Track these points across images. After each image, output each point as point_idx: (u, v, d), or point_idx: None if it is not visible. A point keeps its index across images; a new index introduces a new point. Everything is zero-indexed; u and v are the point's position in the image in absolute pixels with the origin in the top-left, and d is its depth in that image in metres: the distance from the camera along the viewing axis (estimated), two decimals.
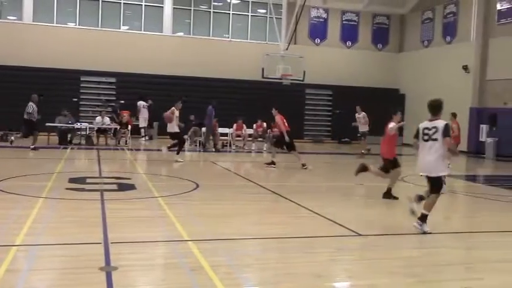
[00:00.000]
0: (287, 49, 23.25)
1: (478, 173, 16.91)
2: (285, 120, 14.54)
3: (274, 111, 14.77)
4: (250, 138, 20.66)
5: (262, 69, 22.72)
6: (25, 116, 16.30)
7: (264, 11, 26.25)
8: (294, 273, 5.13)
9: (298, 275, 5.07)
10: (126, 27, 24.95)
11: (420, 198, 7.16)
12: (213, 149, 19.01)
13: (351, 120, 20.23)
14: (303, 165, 14.16)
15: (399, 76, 27.82)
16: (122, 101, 22.56)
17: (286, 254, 5.83)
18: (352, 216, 8.30)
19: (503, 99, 21.09)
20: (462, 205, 10.61)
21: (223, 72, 24.68)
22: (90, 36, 23.75)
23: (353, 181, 11.95)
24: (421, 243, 6.56)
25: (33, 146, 16.04)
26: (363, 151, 18.71)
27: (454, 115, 15.81)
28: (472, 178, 15.22)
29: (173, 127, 14.98)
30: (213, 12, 25.87)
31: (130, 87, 23.68)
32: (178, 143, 15.28)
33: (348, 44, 27.70)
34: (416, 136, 7.28)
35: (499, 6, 21.55)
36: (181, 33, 25.69)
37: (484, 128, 21.76)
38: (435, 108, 7.24)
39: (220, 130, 20.30)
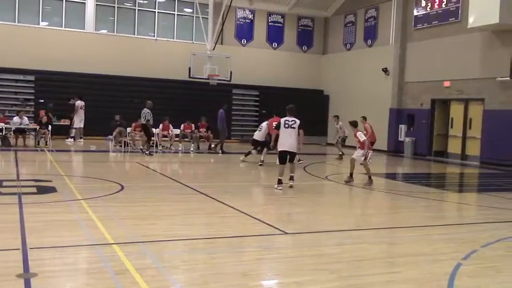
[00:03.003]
0: (214, 49, 23.26)
1: (397, 171, 17.70)
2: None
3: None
4: (177, 139, 20.45)
5: (189, 69, 22.60)
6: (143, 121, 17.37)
7: (190, 10, 26.08)
8: (221, 273, 5.15)
9: (226, 275, 5.09)
10: (46, 23, 23.91)
11: None
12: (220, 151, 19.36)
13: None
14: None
15: (323, 78, 28.57)
16: (41, 100, 21.58)
17: (214, 255, 5.84)
18: (278, 214, 8.44)
19: (420, 100, 22.23)
20: (383, 202, 11.05)
21: (149, 72, 24.28)
22: (7, 31, 22.56)
23: None
24: (344, 240, 6.78)
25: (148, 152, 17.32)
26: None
27: (364, 118, 17.23)
28: (391, 176, 15.90)
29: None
30: (138, 10, 25.36)
31: (50, 86, 22.75)
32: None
33: (274, 45, 28.10)
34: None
35: (415, 12, 22.67)
36: (104, 31, 24.98)
37: (402, 127, 22.82)
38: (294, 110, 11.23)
39: None
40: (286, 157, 11.04)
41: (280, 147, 11.09)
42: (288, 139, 10.97)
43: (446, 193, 12.51)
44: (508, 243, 7.00)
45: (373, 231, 7.57)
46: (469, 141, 20.28)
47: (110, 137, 19.79)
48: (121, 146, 19.16)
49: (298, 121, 11.09)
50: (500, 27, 18.13)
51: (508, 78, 15.93)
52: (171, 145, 20.25)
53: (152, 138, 18.12)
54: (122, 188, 10.08)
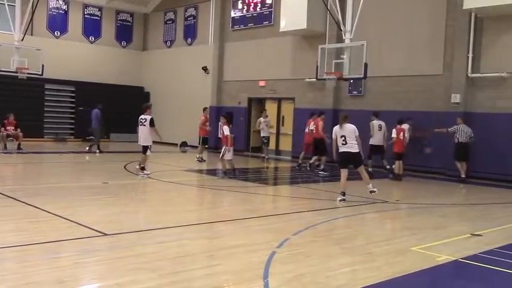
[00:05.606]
0: (22, 40, 21.38)
1: (218, 167, 18.24)
2: (319, 125, 15.95)
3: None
4: None
5: None
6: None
7: None
8: (34, 282, 4.79)
9: (40, 284, 4.75)
10: None
11: None
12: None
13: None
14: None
15: (144, 74, 28.22)
16: None
17: (25, 263, 5.39)
18: (97, 216, 8.12)
19: (238, 98, 23.23)
20: (203, 198, 11.33)
21: None
22: None
23: (98, 180, 11.73)
24: (165, 237, 6.78)
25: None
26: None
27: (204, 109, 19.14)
28: (212, 172, 16.38)
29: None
30: None
31: None
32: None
33: (91, 39, 26.90)
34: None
35: (232, 14, 23.59)
36: None
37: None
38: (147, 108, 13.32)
39: None
40: (145, 149, 13.11)
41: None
42: (140, 135, 13.12)
43: (262, 186, 13.28)
44: (315, 230, 7.69)
45: (194, 226, 7.73)
46: (282, 137, 21.81)
47: None
48: None
49: (148, 118, 12.95)
50: (307, 33, 19.80)
51: (315, 79, 17.44)
52: None
53: None
54: None
